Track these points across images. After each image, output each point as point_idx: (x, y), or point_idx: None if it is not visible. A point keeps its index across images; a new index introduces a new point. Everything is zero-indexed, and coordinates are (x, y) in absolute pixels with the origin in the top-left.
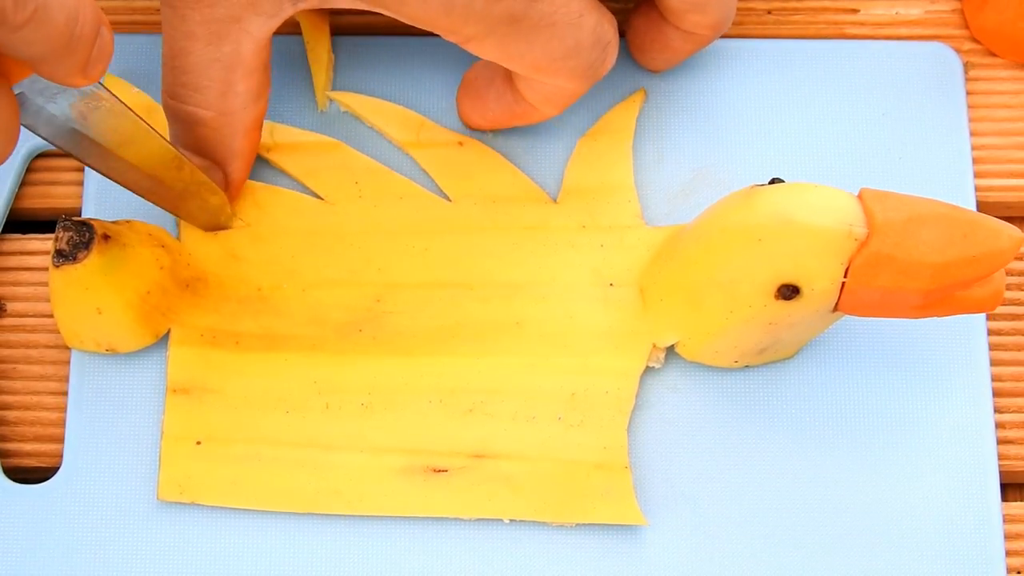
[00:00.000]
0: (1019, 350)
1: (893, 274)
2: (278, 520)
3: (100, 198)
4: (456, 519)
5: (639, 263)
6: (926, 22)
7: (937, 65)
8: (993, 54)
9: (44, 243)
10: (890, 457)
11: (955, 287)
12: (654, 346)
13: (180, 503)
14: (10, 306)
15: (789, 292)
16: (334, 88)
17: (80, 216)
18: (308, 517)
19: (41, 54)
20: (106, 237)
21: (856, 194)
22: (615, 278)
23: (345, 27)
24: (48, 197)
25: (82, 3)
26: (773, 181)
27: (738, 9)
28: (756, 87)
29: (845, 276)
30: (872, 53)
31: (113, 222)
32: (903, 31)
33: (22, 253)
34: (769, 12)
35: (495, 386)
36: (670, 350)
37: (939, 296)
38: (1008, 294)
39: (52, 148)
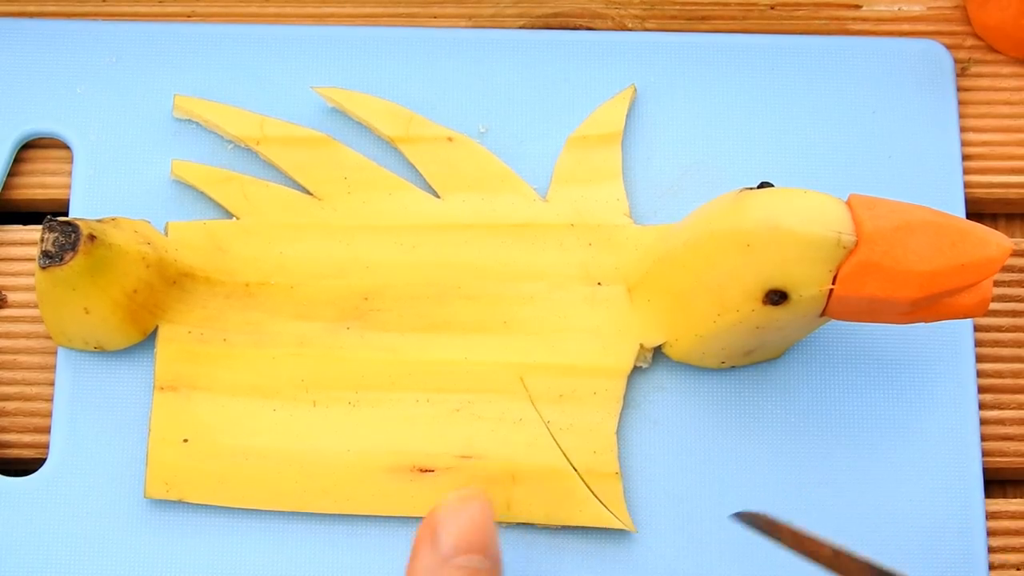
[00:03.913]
0: (1005, 346)
1: (881, 282)
2: (264, 518)
3: (88, 190)
4: None
5: (627, 262)
6: (928, 18)
7: (929, 63)
8: (995, 50)
9: None
10: (876, 456)
11: (943, 295)
12: (641, 346)
13: (167, 500)
14: (12, 297)
15: (777, 298)
16: (322, 83)
17: (68, 210)
18: (295, 515)
19: None
20: (92, 238)
21: (845, 200)
22: (603, 277)
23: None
24: (46, 187)
25: None
26: (762, 185)
27: (741, 4)
28: (745, 84)
29: (833, 283)
30: (863, 50)
31: (98, 220)
32: (905, 27)
33: (23, 243)
34: (772, 7)
35: (482, 386)
36: (657, 349)
37: (927, 303)
38: (995, 290)
39: (42, 135)
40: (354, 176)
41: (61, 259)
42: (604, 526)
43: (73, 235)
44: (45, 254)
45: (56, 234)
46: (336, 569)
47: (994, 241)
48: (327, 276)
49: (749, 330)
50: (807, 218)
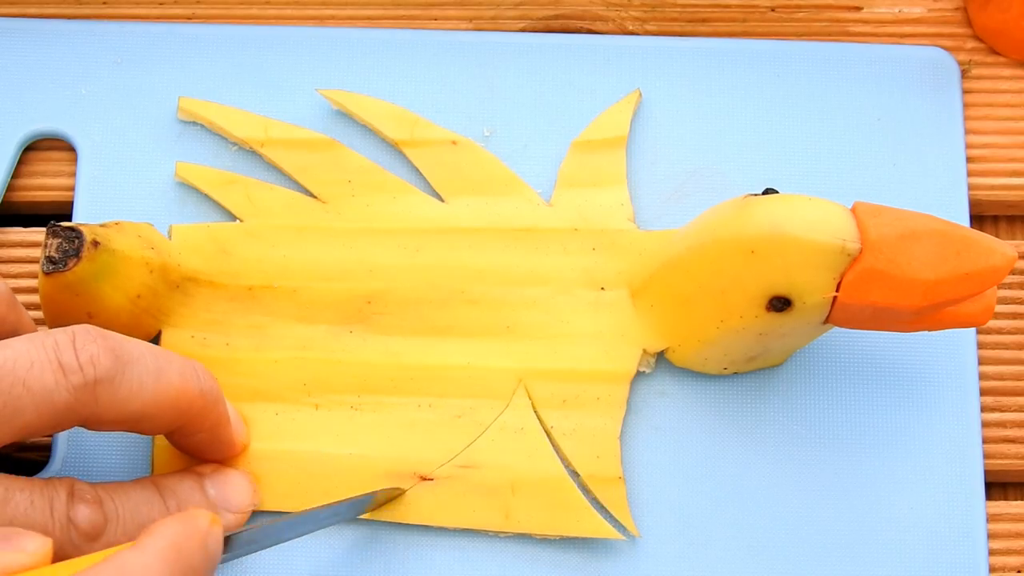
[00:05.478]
0: (1006, 348)
1: (885, 290)
2: (265, 521)
3: (92, 192)
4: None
5: (631, 267)
6: (929, 20)
7: (933, 70)
8: (996, 52)
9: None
10: (877, 462)
11: (947, 303)
12: (644, 351)
13: None
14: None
15: (780, 304)
16: (326, 85)
17: (72, 211)
18: None
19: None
20: (95, 243)
21: (850, 207)
22: (606, 282)
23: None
24: (50, 189)
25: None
26: (767, 191)
27: (741, 6)
28: (750, 90)
29: (837, 290)
30: (868, 57)
31: (102, 225)
32: (906, 29)
33: (25, 245)
34: (772, 9)
35: (484, 392)
36: (660, 355)
37: (931, 312)
38: (1000, 293)
39: (46, 136)
40: (358, 179)
41: (64, 264)
42: (603, 536)
43: (76, 240)
44: (49, 259)
45: (59, 239)
46: (335, 573)
47: (999, 250)
48: (330, 279)
49: (752, 336)
50: (811, 225)
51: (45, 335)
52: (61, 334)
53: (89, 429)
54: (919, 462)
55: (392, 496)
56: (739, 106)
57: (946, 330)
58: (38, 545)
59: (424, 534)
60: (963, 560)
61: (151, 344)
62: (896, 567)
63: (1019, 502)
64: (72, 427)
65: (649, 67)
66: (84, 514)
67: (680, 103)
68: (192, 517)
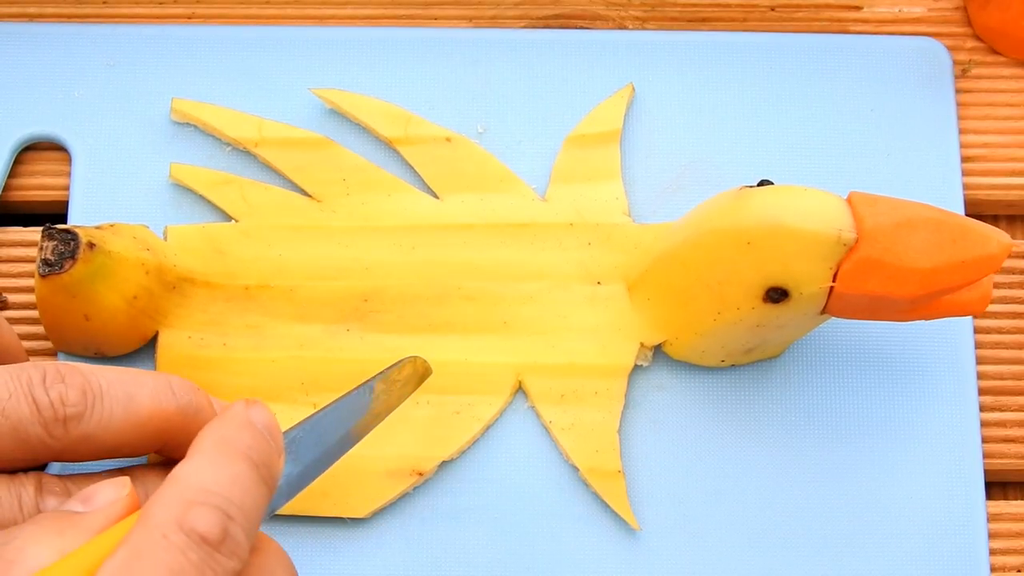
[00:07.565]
0: (1004, 348)
1: (882, 279)
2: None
3: (87, 194)
4: (442, 518)
5: (627, 261)
6: (929, 20)
7: (926, 60)
8: (996, 52)
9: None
10: (876, 456)
11: (944, 292)
12: (641, 344)
13: None
14: (12, 299)
15: (777, 295)
16: (319, 85)
17: (67, 213)
18: (293, 518)
19: None
20: (91, 245)
21: (845, 197)
22: (602, 276)
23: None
24: (45, 190)
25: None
26: (762, 183)
27: (741, 5)
28: (744, 82)
29: (834, 280)
30: (861, 48)
31: (97, 227)
32: (906, 28)
33: (23, 244)
34: (772, 8)
35: (482, 387)
36: (657, 348)
37: (927, 300)
38: (995, 292)
39: (40, 139)
40: (353, 177)
41: (60, 267)
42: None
43: (72, 243)
44: (44, 262)
45: (55, 242)
46: (334, 572)
47: (995, 238)
48: (327, 278)
49: (749, 328)
50: (807, 215)
51: (21, 369)
52: (34, 370)
53: (69, 461)
54: (918, 457)
55: (419, 373)
56: (732, 98)
57: (944, 325)
58: (110, 495)
59: (423, 525)
60: (963, 555)
61: (126, 369)
62: (896, 558)
63: (1019, 502)
64: (51, 461)
65: (641, 61)
66: (54, 507)
67: (673, 96)
68: (228, 410)
